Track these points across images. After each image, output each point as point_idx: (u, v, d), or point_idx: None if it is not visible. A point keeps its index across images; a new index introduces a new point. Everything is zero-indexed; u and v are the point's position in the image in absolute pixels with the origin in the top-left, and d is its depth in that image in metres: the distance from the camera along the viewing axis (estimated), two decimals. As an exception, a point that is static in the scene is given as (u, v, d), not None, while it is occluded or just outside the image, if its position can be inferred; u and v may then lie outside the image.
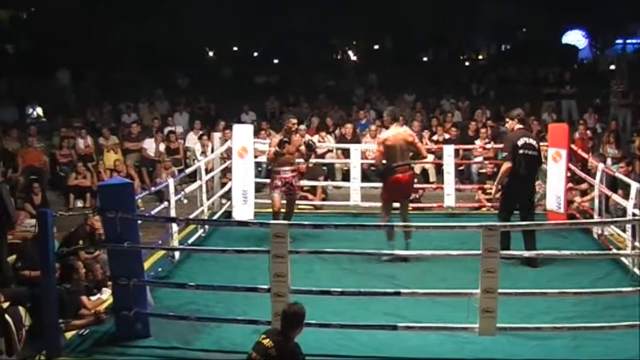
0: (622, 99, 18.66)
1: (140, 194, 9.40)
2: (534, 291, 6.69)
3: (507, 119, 9.61)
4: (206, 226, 10.47)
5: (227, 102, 21.14)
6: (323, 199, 12.88)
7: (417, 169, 13.70)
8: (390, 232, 9.07)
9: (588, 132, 15.45)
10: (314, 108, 20.52)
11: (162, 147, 15.49)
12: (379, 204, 11.92)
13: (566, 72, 22.40)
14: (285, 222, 6.47)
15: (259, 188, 12.68)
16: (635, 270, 8.25)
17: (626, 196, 8.99)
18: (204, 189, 10.66)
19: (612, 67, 26.25)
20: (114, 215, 6.50)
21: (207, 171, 11.33)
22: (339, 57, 35.90)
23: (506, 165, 9.03)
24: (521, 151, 8.98)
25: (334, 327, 6.46)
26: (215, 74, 27.21)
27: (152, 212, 8.74)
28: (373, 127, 15.58)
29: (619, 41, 32.12)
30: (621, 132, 16.55)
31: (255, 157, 11.98)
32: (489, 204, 12.34)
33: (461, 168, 14.16)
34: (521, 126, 9.36)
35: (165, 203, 9.05)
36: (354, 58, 35.67)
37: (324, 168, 14.20)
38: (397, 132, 9.30)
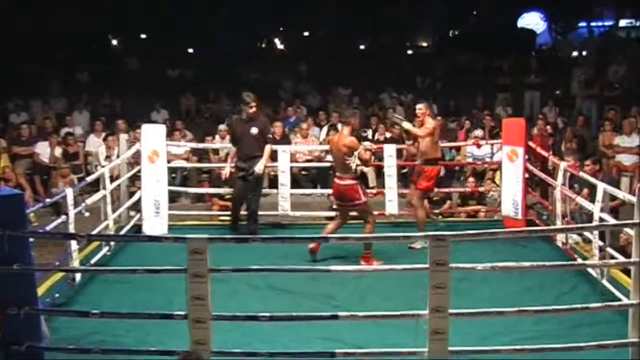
0: (587, 90, 19.08)
1: (32, 207, 9.21)
2: (490, 310, 6.75)
3: (251, 104, 10.69)
4: (112, 243, 10.32)
5: (134, 99, 20.94)
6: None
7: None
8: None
9: (548, 127, 15.72)
10: (236, 104, 20.46)
11: (58, 151, 15.28)
12: (311, 213, 12.04)
13: (531, 58, 22.80)
14: (205, 236, 6.39)
15: (173, 198, 12.60)
16: (604, 282, 8.39)
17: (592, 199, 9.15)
18: (108, 200, 10.49)
19: (575, 53, 26.80)
20: (2, 233, 6.35)
21: (113, 179, 11.17)
22: (264, 46, 35.88)
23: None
24: None
25: (262, 356, 6.42)
26: (120, 66, 26.95)
27: (48, 228, 8.57)
28: (304, 126, 15.65)
29: (582, 24, 32.76)
30: (585, 128, 16.92)
31: (169, 161, 11.88)
32: (436, 211, 12.54)
33: (404, 171, 14.26)
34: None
35: (63, 217, 8.88)
36: (281, 47, 35.69)
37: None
38: None
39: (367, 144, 9.70)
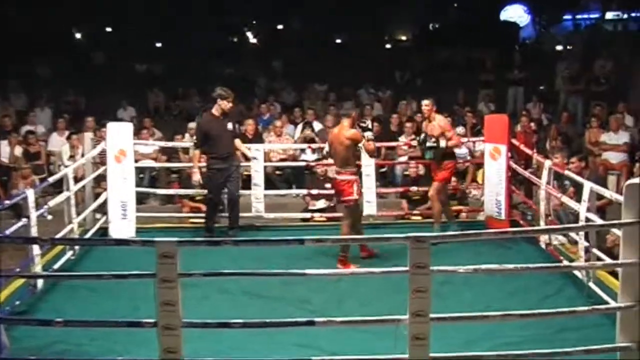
0: (573, 85, 19.18)
1: (-9, 209, 9.17)
2: (472, 314, 6.77)
3: (229, 99, 10.90)
4: (76, 247, 10.26)
5: (100, 95, 20.83)
6: (220, 211, 12.83)
7: (332, 171, 13.80)
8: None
9: (532, 124, 15.79)
10: (207, 101, 20.41)
11: (18, 151, 15.18)
12: (286, 215, 12.06)
13: (514, 52, 22.89)
14: (175, 239, 6.33)
15: (141, 199, 12.54)
16: (591, 284, 8.42)
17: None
18: (72, 202, 10.43)
19: (559, 47, 26.91)
20: (-41, 236, 6.31)
21: (77, 180, 11.11)
22: (235, 39, 35.78)
23: None
24: None
25: (235, 365, 6.43)
26: (85, 61, 26.78)
27: (7, 232, 8.51)
28: (278, 123, 15.63)
29: (567, 17, 32.88)
30: (570, 124, 17.02)
31: (136, 161, 11.84)
32: (416, 211, 12.58)
33: (383, 170, 14.28)
34: None
35: (24, 220, 8.81)
36: (254, 41, 35.61)
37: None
38: None
39: (368, 134, 9.68)
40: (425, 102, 10.93)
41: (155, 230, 11.29)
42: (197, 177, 11.01)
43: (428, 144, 10.75)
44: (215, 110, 10.82)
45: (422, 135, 11.02)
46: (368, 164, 11.75)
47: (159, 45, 31.86)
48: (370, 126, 9.84)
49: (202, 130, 10.95)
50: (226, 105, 10.73)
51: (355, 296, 8.35)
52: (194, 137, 11.02)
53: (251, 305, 8.14)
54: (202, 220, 11.31)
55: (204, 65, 25.52)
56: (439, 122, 10.76)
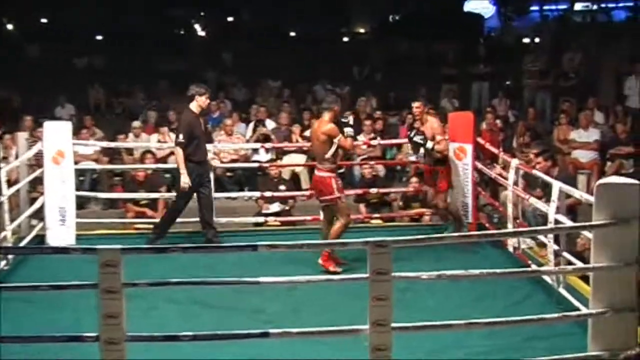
0: (541, 80, 19.32)
1: None
2: (436, 323, 6.80)
3: (207, 95, 10.86)
4: (10, 256, 10.16)
5: (35, 91, 20.63)
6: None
7: (286, 173, 13.82)
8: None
9: (498, 121, 15.89)
10: (152, 98, 20.34)
11: (-55, 153, 15.01)
12: (238, 219, 12.03)
13: (479, 46, 23.02)
14: (118, 246, 6.28)
15: (81, 204, 12.43)
16: (561, 290, 8.47)
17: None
18: (6, 207, 10.33)
19: (526, 39, 27.13)
20: None
21: (10, 183, 11.00)
22: (182, 32, 35.67)
23: None
24: None
25: (184, 380, 6.40)
26: (18, 55, 26.53)
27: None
28: (228, 122, 15.58)
29: (535, 8, 33.14)
30: (538, 121, 17.15)
31: (76, 163, 11.74)
32: (376, 215, 12.61)
33: (341, 170, 14.30)
34: None
35: (-46, 227, 8.76)
36: (202, 34, 35.50)
37: (167, 176, 14.03)
38: None
39: (348, 130, 9.75)
40: (415, 104, 11.11)
41: (97, 237, 11.21)
42: (187, 179, 10.69)
43: (415, 138, 10.90)
44: (195, 108, 10.66)
45: (413, 130, 11.12)
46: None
47: (99, 37, 31.62)
48: (351, 122, 9.94)
49: (189, 128, 10.63)
50: (204, 102, 10.64)
51: (312, 305, 8.34)
52: (180, 136, 10.61)
53: (201, 316, 8.11)
54: (152, 226, 11.15)
55: (148, 59, 25.42)
56: (432, 124, 10.84)
